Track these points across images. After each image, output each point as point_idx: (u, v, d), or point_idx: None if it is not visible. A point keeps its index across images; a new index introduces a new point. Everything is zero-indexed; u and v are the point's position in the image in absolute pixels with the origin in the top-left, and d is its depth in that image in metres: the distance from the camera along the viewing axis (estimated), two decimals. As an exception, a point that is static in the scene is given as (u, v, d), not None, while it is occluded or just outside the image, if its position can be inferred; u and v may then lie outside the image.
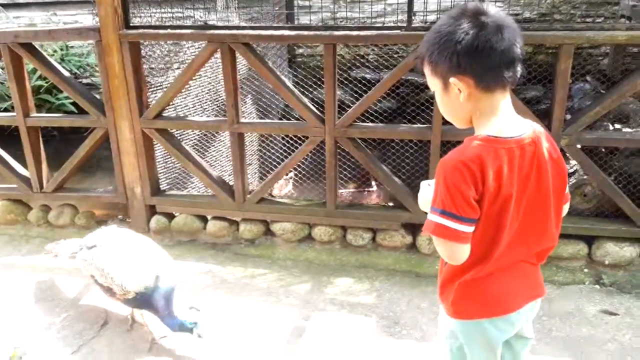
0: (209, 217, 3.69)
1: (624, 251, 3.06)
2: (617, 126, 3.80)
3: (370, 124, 3.47)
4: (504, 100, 1.36)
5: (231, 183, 3.71)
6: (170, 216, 3.71)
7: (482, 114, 1.35)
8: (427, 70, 1.39)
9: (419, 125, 3.32)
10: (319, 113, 3.25)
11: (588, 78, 4.67)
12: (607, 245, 3.08)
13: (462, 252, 1.35)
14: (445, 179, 1.31)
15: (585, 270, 3.18)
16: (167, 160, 3.84)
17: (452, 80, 1.32)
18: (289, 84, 3.31)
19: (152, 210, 3.70)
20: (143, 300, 2.53)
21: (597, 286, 3.06)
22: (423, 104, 4.51)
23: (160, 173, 3.75)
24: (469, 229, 1.33)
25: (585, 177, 3.56)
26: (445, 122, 3.07)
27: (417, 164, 3.87)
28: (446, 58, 1.30)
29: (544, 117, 3.02)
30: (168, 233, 3.67)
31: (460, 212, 1.30)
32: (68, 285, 3.21)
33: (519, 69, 1.33)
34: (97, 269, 2.62)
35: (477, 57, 1.28)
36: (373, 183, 4.59)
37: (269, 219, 3.56)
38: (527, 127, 1.38)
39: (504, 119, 1.36)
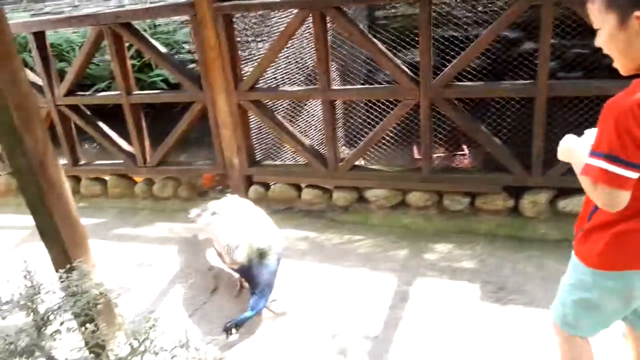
0: (303, 186, 3.76)
1: None
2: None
3: (469, 83, 3.33)
4: None
5: (322, 151, 3.75)
6: (266, 185, 3.82)
7: None
8: (597, 2, 1.30)
9: (522, 81, 3.14)
10: (412, 75, 3.16)
11: None
12: None
13: (622, 200, 1.28)
14: (617, 121, 1.23)
15: None
16: (260, 131, 3.93)
17: (637, 13, 1.23)
18: (381, 45, 3.23)
19: (249, 180, 3.83)
20: (246, 271, 2.64)
21: None
22: (514, 60, 4.27)
23: (255, 144, 3.85)
24: (634, 175, 1.26)
25: None
26: (551, 77, 2.90)
27: (517, 125, 3.69)
28: None
29: None
30: (265, 202, 3.79)
31: (628, 156, 1.23)
32: (176, 253, 3.42)
33: None
34: (213, 235, 2.78)
35: None
36: (464, 147, 4.45)
37: (362, 186, 3.56)
38: None
39: None
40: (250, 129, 3.76)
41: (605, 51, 1.36)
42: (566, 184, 3.06)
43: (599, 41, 1.35)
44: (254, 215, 2.86)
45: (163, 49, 3.88)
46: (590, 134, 1.50)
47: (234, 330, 2.52)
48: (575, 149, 1.46)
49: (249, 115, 3.68)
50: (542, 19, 2.79)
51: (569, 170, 3.03)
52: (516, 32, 4.65)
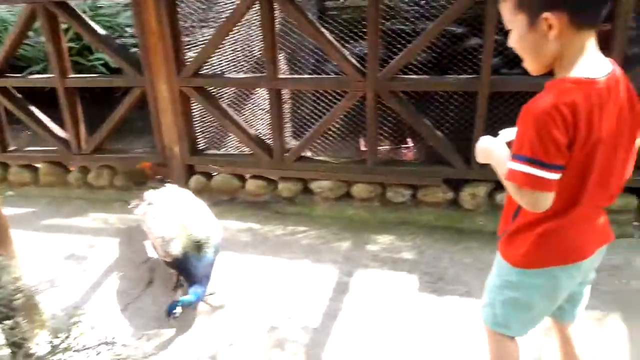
0: (247, 176, 3.68)
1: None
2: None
3: (414, 76, 3.36)
4: (590, 40, 1.28)
5: (268, 142, 3.68)
6: (209, 175, 3.72)
7: (569, 54, 1.27)
8: (508, 3, 1.30)
9: (466, 76, 3.18)
10: (359, 66, 3.14)
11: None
12: None
13: (547, 201, 1.30)
14: (537, 125, 1.23)
15: (635, 223, 3.07)
16: (203, 119, 3.82)
17: (544, 15, 1.23)
18: (329, 35, 3.19)
19: (190, 170, 3.71)
20: (181, 264, 2.55)
21: (647, 240, 2.97)
22: (459, 55, 4.34)
23: (197, 132, 3.73)
24: (557, 176, 1.28)
25: None
26: (494, 72, 2.95)
27: (459, 119, 3.74)
28: None
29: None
30: (207, 192, 3.69)
31: (550, 159, 1.24)
32: (112, 245, 3.27)
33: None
34: (147, 227, 2.67)
35: None
36: (408, 140, 4.49)
37: (308, 177, 3.53)
38: (609, 65, 1.31)
39: (591, 59, 1.28)
40: (193, 116, 3.64)
41: (517, 51, 1.35)
42: (504, 178, 3.13)
43: (511, 41, 1.35)
44: (192, 206, 2.76)
45: (102, 32, 3.69)
46: (506, 133, 1.52)
47: (177, 311, 2.41)
48: (493, 150, 1.47)
49: (192, 102, 3.56)
50: (486, 15, 2.83)
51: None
52: (462, 27, 4.72)
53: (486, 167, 3.13)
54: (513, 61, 4.46)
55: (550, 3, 1.23)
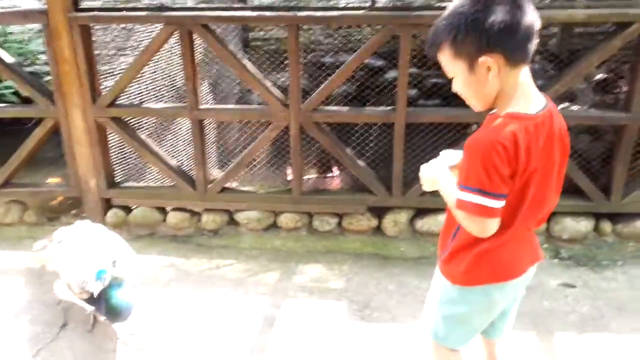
0: (168, 209, 3.57)
1: (580, 225, 3.19)
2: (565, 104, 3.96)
3: (335, 107, 3.44)
4: (525, 75, 1.39)
5: (190, 173, 3.61)
6: (127, 209, 3.57)
7: (508, 91, 1.37)
8: (446, 54, 1.38)
9: (383, 108, 3.31)
10: (282, 98, 3.18)
11: (536, 58, 4.81)
12: (564, 220, 3.20)
13: (493, 226, 1.40)
14: (483, 159, 1.32)
15: (545, 245, 3.29)
16: (122, 150, 3.68)
17: (481, 59, 1.33)
18: (251, 66, 3.21)
19: (108, 204, 3.55)
20: (100, 301, 2.39)
21: (555, 260, 3.17)
22: (379, 87, 4.51)
23: (115, 164, 3.59)
24: (502, 204, 1.37)
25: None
26: (409, 105, 3.09)
27: (379, 148, 3.87)
28: (475, 38, 1.31)
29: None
30: (126, 226, 3.53)
31: (495, 189, 1.34)
32: (19, 285, 3.03)
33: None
34: (58, 266, 2.50)
35: (508, 34, 1.29)
36: (334, 169, 4.56)
37: (233, 208, 3.48)
38: (543, 100, 1.43)
39: (528, 95, 1.39)
40: (111, 147, 3.50)
41: (463, 95, 1.46)
42: (424, 205, 3.26)
43: (455, 87, 1.45)
44: (107, 241, 2.62)
45: (10, 59, 3.49)
46: (446, 155, 1.62)
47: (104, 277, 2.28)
48: (440, 179, 1.57)
49: (109, 132, 3.43)
50: (400, 49, 2.97)
51: (425, 192, 3.25)
52: (380, 60, 4.93)
53: (406, 194, 3.27)
54: (428, 93, 4.74)
55: (486, 48, 1.32)
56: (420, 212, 3.31)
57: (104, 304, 2.35)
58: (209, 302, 2.86)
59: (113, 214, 3.52)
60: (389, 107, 3.24)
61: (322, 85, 3.16)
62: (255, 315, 2.74)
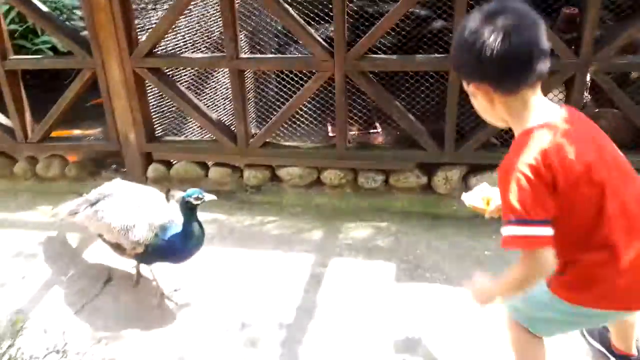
0: (209, 164, 3.47)
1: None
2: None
3: (384, 56, 3.21)
4: (535, 96, 1.31)
5: (231, 127, 3.48)
6: (168, 164, 3.49)
7: (514, 113, 1.33)
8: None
9: (437, 55, 3.07)
10: (327, 46, 2.98)
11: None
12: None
13: (546, 259, 1.26)
14: (515, 185, 1.24)
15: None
16: (160, 104, 3.57)
17: (470, 89, 1.35)
18: (294, 13, 3.00)
19: (148, 158, 3.47)
20: (155, 251, 2.34)
21: None
22: (424, 37, 4.23)
23: (154, 118, 3.49)
24: (547, 231, 1.24)
25: (597, 110, 3.41)
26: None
27: (430, 101, 3.63)
28: (463, 66, 1.33)
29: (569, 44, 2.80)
30: (167, 182, 3.46)
31: (534, 215, 1.24)
32: (66, 242, 3.01)
33: (544, 64, 1.27)
34: (103, 225, 2.42)
35: (490, 65, 1.24)
36: (377, 125, 4.37)
37: (275, 163, 3.35)
38: (560, 110, 1.35)
39: (538, 111, 1.32)
40: (149, 100, 3.39)
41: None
42: (478, 160, 3.05)
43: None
44: (147, 194, 2.53)
45: (46, 9, 3.37)
46: (481, 188, 1.71)
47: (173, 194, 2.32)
48: (488, 286, 1.45)
49: (147, 84, 3.31)
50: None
51: (482, 145, 3.03)
52: (426, 9, 4.61)
53: (459, 149, 3.07)
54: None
55: (472, 78, 1.32)
56: (474, 168, 3.10)
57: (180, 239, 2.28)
58: (253, 259, 2.78)
59: (154, 169, 3.45)
60: (442, 55, 2.99)
61: (370, 31, 2.93)
62: (301, 273, 2.64)
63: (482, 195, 1.80)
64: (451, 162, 3.09)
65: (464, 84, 1.38)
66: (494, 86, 1.29)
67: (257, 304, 2.44)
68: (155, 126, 3.49)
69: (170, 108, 3.64)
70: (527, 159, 1.24)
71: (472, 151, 3.01)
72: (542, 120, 1.29)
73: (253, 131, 3.45)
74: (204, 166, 3.46)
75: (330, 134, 4.24)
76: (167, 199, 2.30)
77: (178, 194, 2.33)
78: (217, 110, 4.03)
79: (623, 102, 2.79)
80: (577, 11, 3.70)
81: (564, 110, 1.34)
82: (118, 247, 2.43)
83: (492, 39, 1.21)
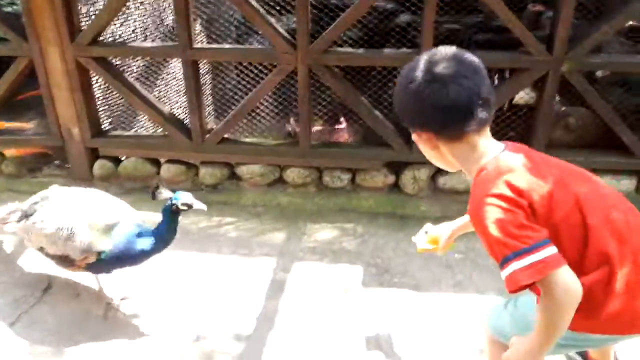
0: (162, 161, 3.22)
1: (621, 185, 2.89)
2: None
3: (349, 49, 3.06)
4: (482, 138, 1.26)
5: (185, 122, 3.25)
6: (116, 160, 3.22)
7: (462, 157, 1.28)
8: None
9: (406, 49, 2.94)
10: (289, 37, 2.79)
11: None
12: (605, 178, 2.90)
13: (569, 277, 1.11)
14: (494, 217, 1.14)
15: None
16: (107, 96, 3.29)
17: (413, 136, 1.31)
18: (254, 2, 2.80)
19: (94, 154, 3.19)
20: (111, 258, 2.08)
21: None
22: (390, 31, 4.09)
23: (101, 111, 3.21)
24: (551, 250, 1.12)
25: (564, 108, 3.37)
26: (435, 44, 2.72)
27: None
28: (405, 113, 1.28)
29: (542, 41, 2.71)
30: (115, 180, 3.20)
31: (526, 241, 1.11)
32: (1, 247, 2.71)
33: (485, 111, 1.22)
34: (43, 235, 2.12)
35: (432, 114, 1.21)
36: (342, 120, 4.21)
37: (234, 161, 3.14)
38: (506, 145, 1.31)
39: (487, 149, 1.27)
40: (95, 92, 3.12)
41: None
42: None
43: None
44: (90, 195, 2.27)
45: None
46: (425, 230, 1.82)
47: (162, 191, 2.04)
48: (526, 347, 1.25)
49: (92, 75, 3.04)
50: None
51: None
52: (392, 3, 4.48)
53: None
54: (444, 40, 4.34)
55: (413, 125, 1.28)
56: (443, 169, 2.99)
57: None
58: (210, 264, 2.57)
59: (100, 166, 3.18)
60: (411, 49, 2.86)
61: (334, 23, 2.77)
62: (261, 279, 2.45)
63: (429, 236, 1.81)
64: (420, 161, 2.97)
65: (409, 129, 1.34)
66: (436, 134, 1.26)
67: (213, 314, 2.24)
68: (102, 120, 3.22)
69: (118, 101, 3.37)
70: (493, 190, 1.17)
71: (441, 149, 2.90)
72: (493, 155, 1.25)
73: (210, 126, 3.23)
74: (156, 163, 3.21)
75: (292, 130, 4.06)
76: (154, 196, 2.04)
77: (166, 193, 2.05)
78: (171, 105, 3.78)
79: (595, 101, 2.73)
80: (542, 8, 3.67)
81: (510, 145, 1.31)
82: (65, 260, 2.13)
83: (431, 89, 1.18)
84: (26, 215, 2.20)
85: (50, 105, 3.01)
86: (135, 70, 3.51)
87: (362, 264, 2.56)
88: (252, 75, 3.64)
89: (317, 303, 2.30)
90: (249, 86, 3.59)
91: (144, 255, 2.10)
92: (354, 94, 2.92)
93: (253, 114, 3.62)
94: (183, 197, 2.03)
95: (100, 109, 3.20)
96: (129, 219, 2.13)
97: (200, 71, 3.09)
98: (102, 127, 3.20)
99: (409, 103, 1.25)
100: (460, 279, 2.45)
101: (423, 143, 1.31)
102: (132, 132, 3.40)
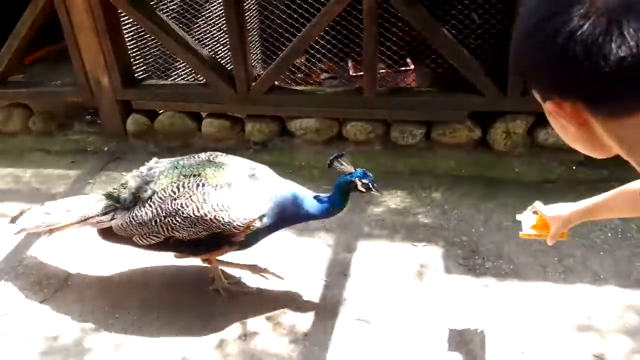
0: (203, 115, 2.80)
1: None
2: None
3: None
4: None
5: (229, 67, 2.77)
6: (153, 114, 2.83)
7: (632, 141, 0.80)
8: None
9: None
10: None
11: None
12: None
13: None
14: None
15: None
16: (141, 40, 2.86)
17: (546, 107, 0.79)
18: None
19: (127, 108, 2.80)
20: (273, 219, 1.75)
21: None
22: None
23: (133, 58, 2.80)
24: None
25: None
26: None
27: (489, 29, 2.80)
28: (541, 71, 0.77)
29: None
30: (152, 137, 2.84)
31: None
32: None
33: None
34: (196, 218, 1.68)
35: (584, 79, 0.72)
36: (409, 61, 3.60)
37: (285, 114, 2.67)
38: None
39: None
40: (126, 35, 2.70)
41: None
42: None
43: None
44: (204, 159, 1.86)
45: None
46: (532, 208, 1.46)
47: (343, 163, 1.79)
48: None
49: (121, 14, 2.60)
50: None
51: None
52: None
53: (527, 94, 2.35)
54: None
55: (551, 91, 0.77)
56: (544, 118, 2.38)
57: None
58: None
59: (134, 121, 2.83)
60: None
61: None
62: (319, 261, 2.03)
63: (538, 217, 1.46)
64: (514, 110, 2.38)
65: (535, 94, 0.85)
66: (593, 106, 0.78)
67: (263, 307, 1.84)
68: (135, 68, 2.81)
69: (153, 45, 2.93)
70: None
71: (544, 96, 2.29)
72: None
73: (257, 72, 2.74)
74: (196, 117, 2.80)
75: (352, 73, 3.50)
76: (331, 163, 1.79)
77: (347, 167, 1.78)
78: (213, 49, 3.29)
79: None
80: None
81: None
82: (216, 239, 1.72)
83: (591, 28, 0.70)
84: (135, 201, 1.77)
85: (74, 50, 2.63)
86: (170, 8, 3.03)
87: (443, 243, 2.10)
88: (304, 7, 3.05)
89: (387, 291, 1.88)
90: (301, 21, 3.02)
91: (308, 217, 1.85)
92: (434, 26, 2.34)
93: (308, 58, 3.08)
94: (363, 176, 1.75)
95: (134, 54, 2.78)
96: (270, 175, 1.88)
97: (245, 7, 2.58)
98: (136, 75, 2.80)
99: (550, 59, 0.78)
100: (570, 264, 1.95)
101: (564, 117, 0.84)
102: (169, 82, 2.96)
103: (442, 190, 2.37)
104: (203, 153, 1.88)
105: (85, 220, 1.82)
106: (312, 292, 1.89)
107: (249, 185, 1.76)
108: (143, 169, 1.84)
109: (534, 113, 2.39)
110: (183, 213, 1.68)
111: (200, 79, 2.82)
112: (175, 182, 1.72)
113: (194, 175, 1.74)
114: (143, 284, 1.99)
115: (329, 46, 3.16)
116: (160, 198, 1.71)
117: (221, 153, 1.90)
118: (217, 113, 2.75)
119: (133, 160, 2.72)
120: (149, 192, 1.74)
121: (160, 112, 2.82)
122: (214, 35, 3.35)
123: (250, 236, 1.75)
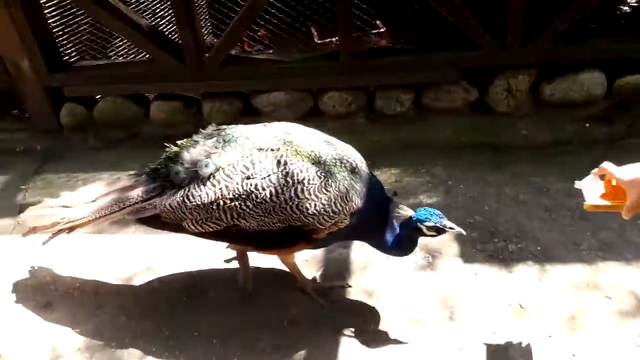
0: (150, 97, 2.36)
1: None
2: None
3: None
4: None
5: (174, 39, 2.35)
6: (90, 102, 2.38)
7: None
8: None
9: None
10: None
11: None
12: None
13: None
14: None
15: None
16: (67, 14, 2.39)
17: None
18: None
19: (58, 96, 2.35)
20: (360, 218, 1.40)
21: None
22: None
23: (59, 35, 2.33)
24: None
25: None
26: None
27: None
28: None
29: None
30: (92, 128, 2.43)
31: None
32: None
33: None
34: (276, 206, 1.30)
35: None
36: (378, 22, 3.25)
37: (247, 88, 2.27)
38: None
39: None
40: (47, 9, 2.23)
41: None
42: (555, 58, 2.03)
43: None
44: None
45: None
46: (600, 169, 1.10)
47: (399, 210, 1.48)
48: None
49: (34, -21, 2.14)
50: None
51: (561, 35, 1.99)
52: None
53: (529, 44, 2.03)
54: None
55: None
56: (548, 71, 2.09)
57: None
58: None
59: (68, 111, 2.42)
60: None
61: None
62: (316, 258, 1.67)
63: (607, 184, 1.13)
64: (516, 63, 2.06)
65: None
66: None
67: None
68: (64, 48, 2.35)
69: (82, 19, 2.47)
70: None
71: (550, 44, 1.98)
72: None
73: (209, 42, 2.32)
74: (143, 101, 2.37)
75: (317, 41, 3.12)
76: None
77: (404, 211, 1.47)
78: (154, 18, 2.83)
79: None
80: None
81: None
82: (288, 234, 1.35)
83: None
84: (191, 179, 1.36)
85: (-21, 30, 2.13)
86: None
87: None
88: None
89: (390, 290, 1.57)
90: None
91: (381, 237, 1.47)
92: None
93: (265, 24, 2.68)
94: (431, 217, 1.40)
95: (57, 31, 2.31)
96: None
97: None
98: (64, 57, 2.32)
99: None
100: (606, 237, 1.66)
101: None
102: (104, 62, 2.49)
103: (442, 164, 2.04)
104: (277, 122, 1.48)
105: (122, 209, 1.41)
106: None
107: (342, 171, 1.39)
108: (198, 137, 1.43)
109: (536, 66, 2.07)
110: (257, 197, 1.28)
111: (143, 54, 2.38)
112: (247, 157, 1.33)
113: (272, 150, 1.34)
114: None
115: (287, 9, 2.77)
116: (228, 175, 1.31)
117: (297, 125, 1.50)
118: (166, 94, 2.33)
119: (72, 159, 2.31)
120: (211, 167, 1.33)
121: (98, 98, 2.38)
122: (153, 7, 2.90)
123: (333, 234, 1.40)
